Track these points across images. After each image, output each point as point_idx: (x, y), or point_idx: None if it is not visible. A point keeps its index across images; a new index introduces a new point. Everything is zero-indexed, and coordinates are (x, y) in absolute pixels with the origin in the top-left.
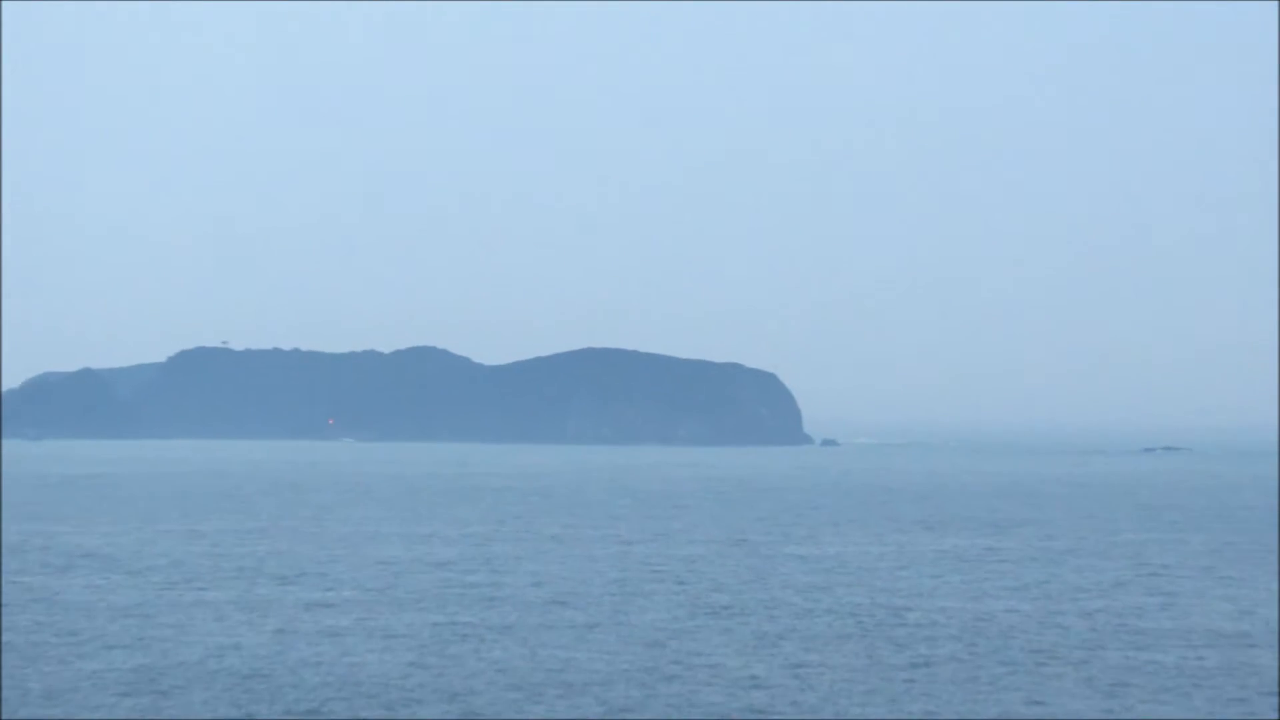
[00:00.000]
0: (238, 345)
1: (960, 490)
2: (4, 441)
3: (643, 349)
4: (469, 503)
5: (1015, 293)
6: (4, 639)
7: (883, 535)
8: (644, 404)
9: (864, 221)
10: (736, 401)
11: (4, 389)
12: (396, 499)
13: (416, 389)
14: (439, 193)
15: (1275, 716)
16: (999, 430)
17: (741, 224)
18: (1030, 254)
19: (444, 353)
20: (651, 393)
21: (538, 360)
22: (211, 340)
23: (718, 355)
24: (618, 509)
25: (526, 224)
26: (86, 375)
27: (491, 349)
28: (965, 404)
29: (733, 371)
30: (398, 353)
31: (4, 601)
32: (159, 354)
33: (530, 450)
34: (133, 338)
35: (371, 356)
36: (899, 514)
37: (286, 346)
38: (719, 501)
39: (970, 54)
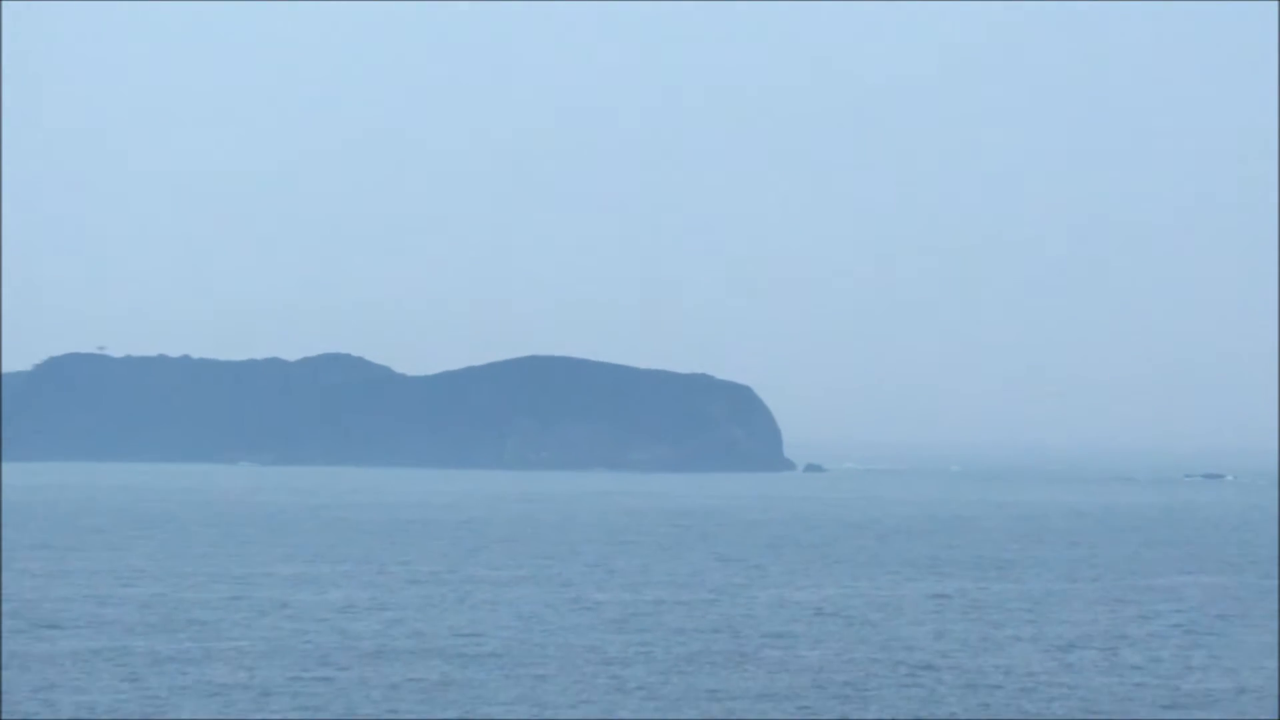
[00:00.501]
0: (116, 351)
1: (965, 524)
2: None
3: (594, 357)
4: (386, 539)
5: (1025, 299)
6: None
7: (874, 576)
8: (595, 422)
9: (848, 217)
10: (704, 420)
11: None
12: (301, 534)
13: (327, 404)
14: (352, 172)
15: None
16: (1010, 454)
17: (711, 213)
18: (1032, 257)
19: (359, 361)
20: (604, 409)
21: (470, 370)
22: (86, 345)
23: (682, 365)
24: (561, 545)
25: (455, 211)
26: None
27: (415, 357)
28: (971, 424)
29: (700, 384)
30: (305, 360)
31: None
32: (23, 361)
33: (460, 476)
34: None
35: (274, 365)
36: (893, 552)
37: (174, 353)
38: (681, 537)
39: (970, 50)
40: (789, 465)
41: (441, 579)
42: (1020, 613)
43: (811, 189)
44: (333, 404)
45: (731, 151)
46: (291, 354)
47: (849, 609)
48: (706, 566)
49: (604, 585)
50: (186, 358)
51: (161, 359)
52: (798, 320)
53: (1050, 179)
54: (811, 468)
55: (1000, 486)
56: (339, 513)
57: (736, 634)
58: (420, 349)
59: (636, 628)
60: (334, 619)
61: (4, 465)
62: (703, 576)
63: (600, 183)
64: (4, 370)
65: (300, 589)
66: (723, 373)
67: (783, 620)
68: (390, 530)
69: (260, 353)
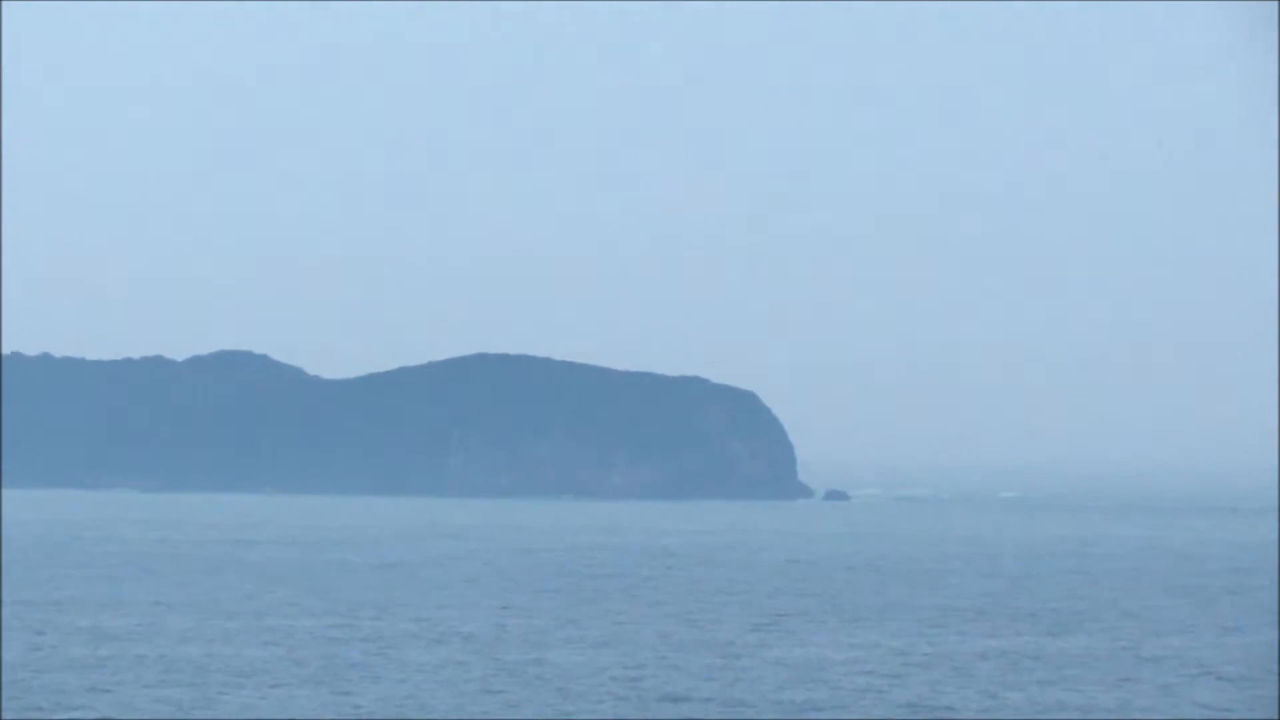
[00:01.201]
0: None
1: (1021, 565)
2: None
3: (560, 356)
4: (291, 586)
5: (1090, 296)
6: None
7: (911, 631)
8: (561, 437)
9: (864, 198)
10: (698, 434)
11: None
12: (187, 579)
13: (223, 414)
14: (253, 136)
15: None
16: (1074, 479)
17: (706, 187)
18: (1087, 246)
19: (264, 360)
20: (573, 420)
21: (404, 372)
22: None
23: (671, 367)
24: (517, 594)
25: (385, 173)
26: None
27: (335, 356)
28: (1028, 442)
29: (693, 389)
30: (195, 360)
31: None
32: None
33: (390, 505)
34: None
35: (158, 366)
36: (932, 600)
37: (32, 351)
38: (669, 582)
39: (980, 49)
40: (804, 491)
41: (364, 633)
42: (1085, 674)
43: (827, 167)
44: (230, 414)
45: (735, 126)
46: (179, 353)
47: (880, 670)
48: (701, 620)
49: (573, 644)
50: (46, 356)
51: (15, 358)
52: (811, 313)
53: (1082, 171)
54: (833, 494)
55: (1065, 518)
56: (234, 551)
57: (741, 703)
58: (340, 346)
59: (613, 695)
60: (231, 684)
61: None
62: (698, 632)
63: (570, 144)
64: None
65: (186, 646)
66: (721, 376)
67: (798, 685)
68: (296, 575)
69: (140, 351)
